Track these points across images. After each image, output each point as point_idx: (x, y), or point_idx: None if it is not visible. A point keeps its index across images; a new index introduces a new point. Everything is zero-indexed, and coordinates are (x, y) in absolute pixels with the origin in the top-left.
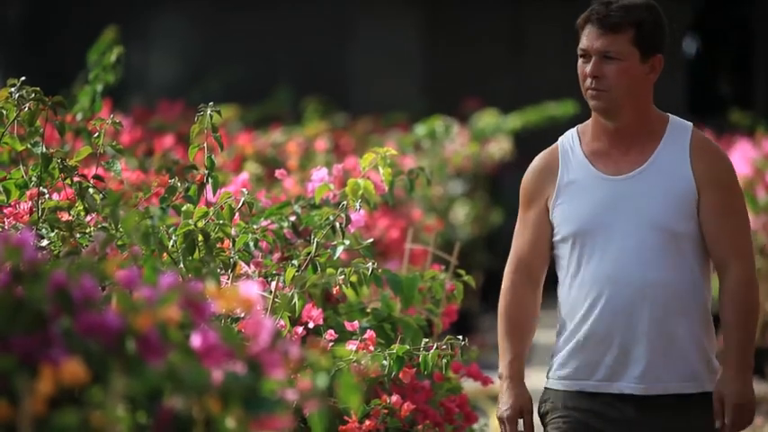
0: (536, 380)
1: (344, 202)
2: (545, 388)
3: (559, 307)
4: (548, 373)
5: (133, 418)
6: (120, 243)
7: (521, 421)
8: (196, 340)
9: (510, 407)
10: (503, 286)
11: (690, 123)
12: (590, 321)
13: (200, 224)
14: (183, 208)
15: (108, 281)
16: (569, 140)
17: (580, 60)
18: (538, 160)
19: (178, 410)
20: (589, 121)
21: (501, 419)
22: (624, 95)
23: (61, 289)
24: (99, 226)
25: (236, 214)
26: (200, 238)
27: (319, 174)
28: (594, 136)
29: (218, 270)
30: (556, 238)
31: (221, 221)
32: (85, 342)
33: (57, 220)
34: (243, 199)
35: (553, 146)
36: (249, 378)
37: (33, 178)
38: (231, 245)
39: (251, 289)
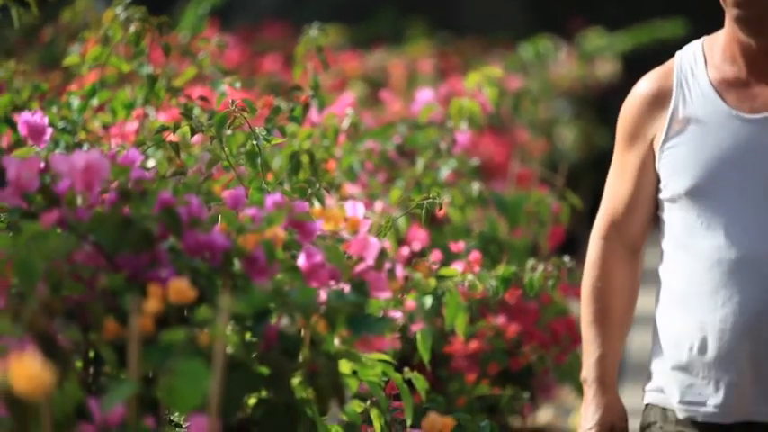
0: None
1: (450, 123)
2: (645, 404)
3: (660, 293)
4: (645, 385)
5: (240, 336)
6: (225, 164)
7: None
8: (302, 260)
9: (597, 423)
10: (589, 255)
11: None
12: (708, 321)
13: (305, 145)
14: (289, 128)
15: (214, 201)
16: (691, 60)
17: None
18: (646, 83)
19: (284, 329)
20: (719, 36)
21: None
22: None
23: (168, 208)
24: (205, 147)
25: (341, 135)
26: (306, 158)
27: (424, 94)
28: (727, 57)
29: (324, 191)
30: (662, 195)
31: (326, 142)
32: (193, 261)
33: (162, 140)
34: (348, 120)
35: (667, 65)
36: (355, 298)
37: (139, 99)
38: (336, 165)
39: (356, 209)
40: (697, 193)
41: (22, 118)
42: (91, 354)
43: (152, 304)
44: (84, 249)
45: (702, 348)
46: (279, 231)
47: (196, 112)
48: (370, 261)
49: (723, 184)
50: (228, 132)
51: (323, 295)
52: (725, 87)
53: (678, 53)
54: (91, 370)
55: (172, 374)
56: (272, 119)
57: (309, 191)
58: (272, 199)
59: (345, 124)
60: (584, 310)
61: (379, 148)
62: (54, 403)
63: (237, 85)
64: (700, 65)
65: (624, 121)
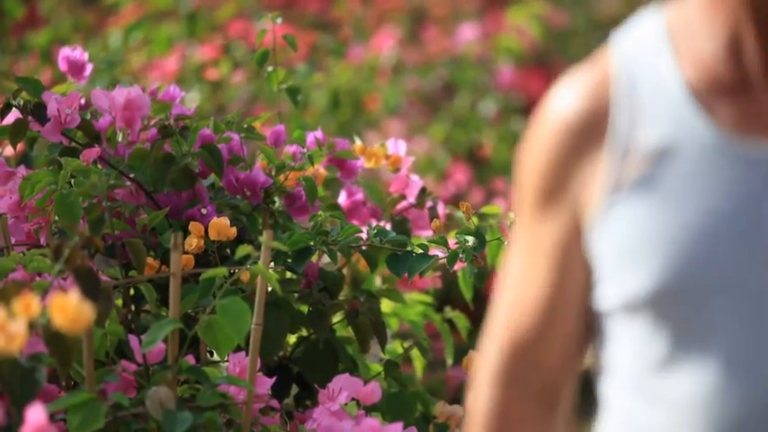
0: None
1: (492, 60)
2: None
3: None
4: None
5: (281, 275)
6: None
7: None
8: (343, 197)
9: None
10: (476, 411)
11: None
12: None
13: (345, 82)
14: (330, 66)
15: (255, 138)
16: (646, 54)
17: None
18: (567, 103)
19: (325, 268)
20: (699, 13)
21: None
22: None
23: (209, 145)
24: (245, 83)
25: (383, 72)
26: (346, 96)
27: (467, 30)
28: (729, 50)
29: (365, 127)
30: (606, 300)
31: (367, 79)
32: (233, 199)
33: (202, 77)
34: (389, 57)
35: (598, 67)
36: (396, 236)
37: (179, 35)
38: (378, 103)
39: (398, 147)
40: (674, 297)
41: (62, 53)
42: (131, 291)
43: (193, 242)
44: (125, 186)
45: None
46: (320, 168)
47: (236, 48)
48: (411, 199)
49: (724, 280)
50: (269, 69)
51: (364, 232)
52: (718, 98)
53: (616, 44)
54: (132, 308)
55: (212, 312)
56: (314, 56)
57: (351, 128)
58: (313, 136)
59: (387, 62)
60: None
61: (420, 85)
62: (95, 341)
63: (279, 20)
64: (664, 60)
65: (534, 170)
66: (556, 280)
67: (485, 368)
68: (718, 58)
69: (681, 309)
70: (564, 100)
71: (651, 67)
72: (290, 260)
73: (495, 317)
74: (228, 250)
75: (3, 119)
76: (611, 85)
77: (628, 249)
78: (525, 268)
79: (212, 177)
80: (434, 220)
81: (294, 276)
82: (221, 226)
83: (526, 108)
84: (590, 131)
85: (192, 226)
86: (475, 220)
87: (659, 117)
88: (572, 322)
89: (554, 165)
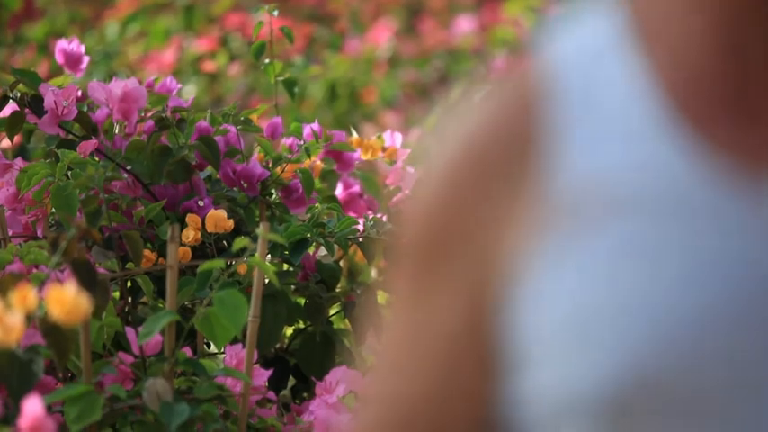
0: None
1: (488, 52)
2: None
3: None
4: None
5: (278, 267)
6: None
7: None
8: (339, 189)
9: None
10: None
11: None
12: None
13: (342, 74)
14: (327, 58)
15: (252, 130)
16: (592, 61)
17: None
18: (472, 134)
19: (322, 260)
20: (672, 7)
21: None
22: None
23: (206, 138)
24: (242, 75)
25: (380, 64)
26: (343, 89)
27: (464, 22)
28: (704, 35)
29: (361, 120)
30: (536, 398)
31: (364, 71)
32: (230, 191)
33: (199, 69)
34: (386, 50)
35: (517, 84)
36: (393, 228)
37: (176, 27)
38: (375, 95)
39: (394, 138)
40: (633, 399)
41: (59, 46)
42: (129, 283)
43: (190, 234)
44: (122, 178)
45: None
46: (316, 161)
47: (233, 40)
48: (407, 191)
49: (711, 371)
50: (266, 61)
51: (360, 225)
52: (709, 117)
53: (546, 53)
54: (129, 300)
55: (209, 304)
56: (311, 48)
57: (347, 120)
58: (310, 128)
59: (383, 54)
60: None
61: (417, 77)
62: (92, 332)
63: (275, 12)
64: (623, 68)
65: (427, 219)
66: (451, 370)
67: None
68: (709, 62)
69: (646, 407)
70: (468, 128)
71: (604, 76)
72: (286, 252)
73: (369, 419)
74: (225, 242)
75: (0, 111)
76: (538, 104)
77: (575, 324)
78: (408, 354)
79: (209, 170)
80: None
81: (291, 268)
82: (218, 218)
83: None
84: (507, 167)
85: (189, 218)
86: None
87: (618, 143)
88: (469, 425)
89: (453, 211)
